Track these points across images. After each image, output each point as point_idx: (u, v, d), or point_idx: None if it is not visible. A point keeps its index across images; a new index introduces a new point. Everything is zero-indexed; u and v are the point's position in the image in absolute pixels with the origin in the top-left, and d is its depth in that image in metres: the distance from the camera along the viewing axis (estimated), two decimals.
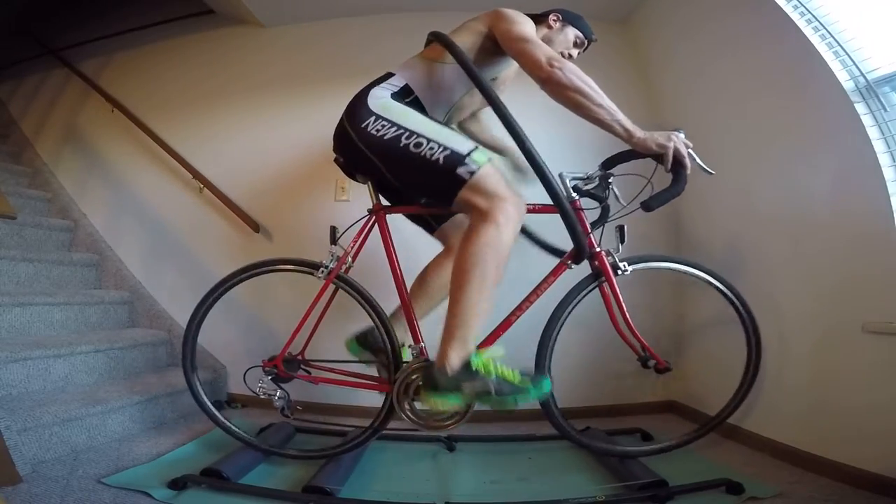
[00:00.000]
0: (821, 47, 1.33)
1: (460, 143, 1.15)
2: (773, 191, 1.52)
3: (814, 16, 1.35)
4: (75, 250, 2.38)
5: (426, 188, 1.23)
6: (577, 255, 1.26)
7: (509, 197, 1.11)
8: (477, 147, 1.16)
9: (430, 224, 1.47)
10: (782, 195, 1.48)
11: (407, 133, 1.16)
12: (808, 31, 1.36)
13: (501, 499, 1.20)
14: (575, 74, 1.13)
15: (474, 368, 1.10)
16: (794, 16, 1.38)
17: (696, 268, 1.36)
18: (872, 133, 1.23)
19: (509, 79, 1.45)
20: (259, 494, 1.19)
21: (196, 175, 2.22)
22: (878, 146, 1.22)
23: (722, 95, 1.73)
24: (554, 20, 1.40)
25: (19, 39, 3.07)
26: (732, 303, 1.37)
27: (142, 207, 2.36)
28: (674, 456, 1.42)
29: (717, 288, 1.37)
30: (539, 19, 1.40)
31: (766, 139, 1.55)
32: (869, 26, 1.25)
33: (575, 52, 1.42)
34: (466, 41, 1.26)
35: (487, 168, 1.13)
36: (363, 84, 1.30)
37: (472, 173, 1.11)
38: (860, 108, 1.25)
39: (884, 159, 1.20)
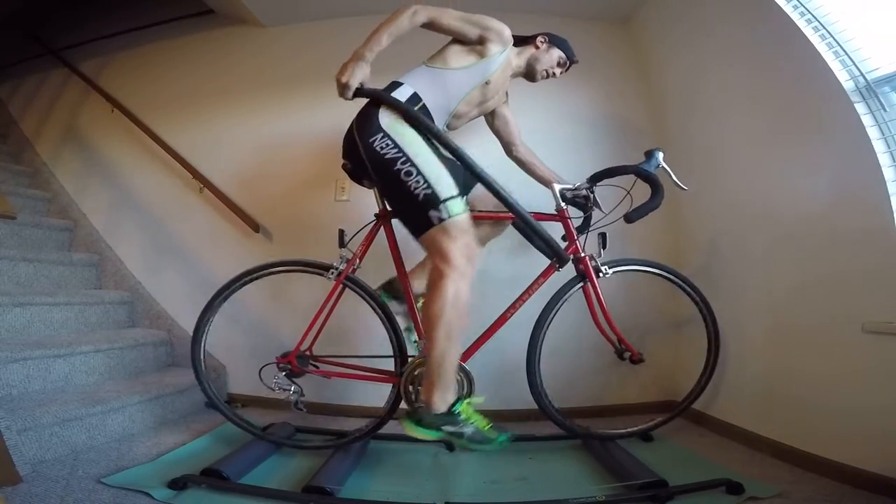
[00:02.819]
0: (821, 47, 1.33)
1: (445, 186, 1.21)
2: (773, 191, 1.52)
3: (814, 16, 1.35)
4: (75, 250, 2.38)
5: (403, 215, 1.32)
6: (558, 260, 1.40)
7: (466, 252, 1.19)
8: (457, 196, 1.21)
9: None
10: (783, 195, 1.48)
11: (404, 158, 1.22)
12: (808, 31, 1.35)
13: (501, 499, 1.21)
14: (408, 19, 1.29)
15: (457, 412, 1.23)
16: (795, 16, 1.38)
17: (663, 270, 1.53)
18: (872, 133, 1.23)
19: (500, 93, 1.52)
20: (259, 494, 1.19)
21: (196, 175, 2.22)
22: (878, 146, 1.21)
23: (722, 95, 1.73)
24: (541, 41, 1.51)
25: (19, 39, 3.07)
26: (694, 299, 1.55)
27: (142, 207, 2.36)
28: (674, 456, 1.43)
29: (681, 287, 1.55)
30: (528, 40, 1.51)
31: (766, 139, 1.54)
32: (869, 26, 1.25)
33: (558, 72, 1.54)
34: (452, 48, 1.38)
35: (459, 219, 1.19)
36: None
37: (441, 220, 1.18)
38: (860, 108, 1.25)
39: (884, 159, 1.20)
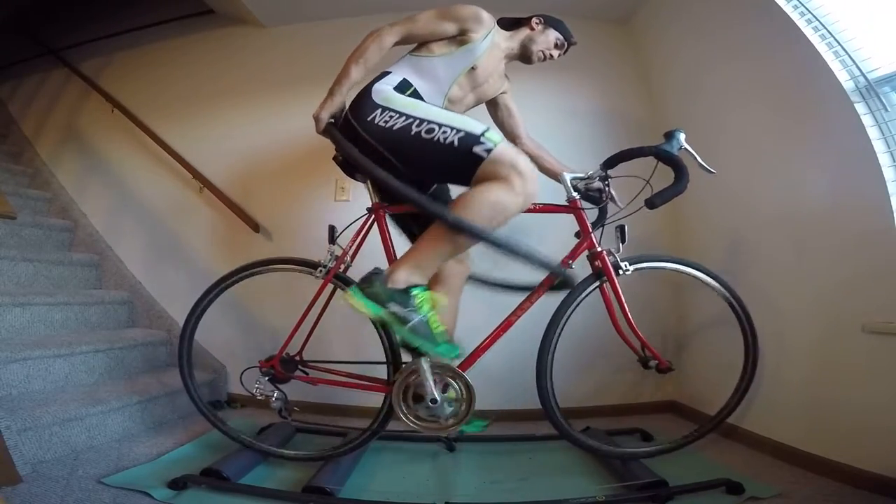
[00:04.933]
0: (821, 47, 1.33)
1: (472, 125, 1.16)
2: (773, 191, 1.52)
3: (814, 16, 1.35)
4: (75, 250, 2.38)
5: (443, 172, 1.25)
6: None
7: (526, 171, 1.12)
8: (489, 127, 1.17)
9: (414, 232, 1.46)
10: (783, 195, 1.48)
11: (417, 121, 1.17)
12: (808, 31, 1.36)
13: (501, 499, 1.21)
14: (375, 44, 1.27)
15: (412, 296, 1.12)
16: (795, 16, 1.38)
17: (694, 268, 1.36)
18: (872, 133, 1.23)
19: (494, 78, 1.46)
20: (259, 494, 1.19)
21: (196, 175, 2.22)
22: (878, 146, 1.22)
23: (723, 95, 1.73)
24: (536, 23, 1.46)
25: (19, 39, 3.07)
26: (730, 302, 1.36)
27: (142, 207, 2.36)
28: (674, 456, 1.43)
29: (714, 288, 1.36)
30: (523, 22, 1.47)
31: (767, 139, 1.55)
32: (869, 26, 1.25)
33: (556, 53, 1.48)
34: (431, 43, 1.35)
35: (503, 145, 1.14)
36: (363, 84, 1.30)
37: (488, 151, 1.12)
38: (860, 108, 1.25)
39: (884, 159, 1.20)
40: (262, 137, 2.24)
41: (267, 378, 1.33)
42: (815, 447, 1.30)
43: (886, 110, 1.22)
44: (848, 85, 1.27)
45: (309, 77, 2.19)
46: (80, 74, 2.70)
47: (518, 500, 1.17)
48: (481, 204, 1.11)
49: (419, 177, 1.32)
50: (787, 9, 1.40)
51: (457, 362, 1.26)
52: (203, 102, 2.38)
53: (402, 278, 1.13)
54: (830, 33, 1.32)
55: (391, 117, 1.19)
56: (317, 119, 1.25)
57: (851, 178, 1.27)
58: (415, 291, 1.13)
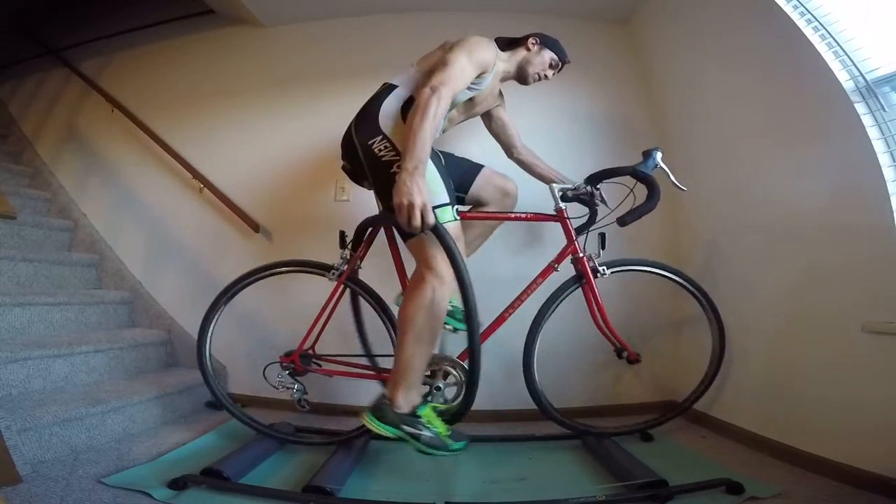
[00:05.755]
0: (821, 47, 1.33)
1: (437, 194, 1.21)
2: (773, 190, 1.52)
3: (814, 16, 1.35)
4: (75, 250, 2.38)
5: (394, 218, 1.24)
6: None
7: (444, 273, 1.18)
8: (447, 204, 1.22)
9: None
10: (783, 195, 1.48)
11: (400, 162, 1.16)
12: (808, 31, 1.35)
13: (501, 499, 1.21)
14: (443, 104, 1.18)
15: (419, 415, 1.23)
16: (795, 16, 1.38)
17: (665, 269, 1.51)
18: (872, 133, 1.23)
19: (489, 99, 1.53)
20: (259, 494, 1.19)
21: (196, 175, 2.22)
22: (878, 146, 1.21)
23: (723, 95, 1.73)
24: (532, 43, 1.48)
25: (19, 39, 3.07)
26: (699, 300, 1.55)
27: (142, 207, 2.36)
28: (674, 456, 1.43)
29: (684, 286, 1.54)
30: (518, 42, 1.49)
31: (766, 139, 1.54)
32: (869, 26, 1.25)
33: (550, 73, 1.51)
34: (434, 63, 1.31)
35: (447, 227, 1.18)
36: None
37: (430, 226, 1.15)
38: (860, 108, 1.25)
39: (884, 159, 1.20)
40: (262, 137, 2.23)
41: (287, 372, 1.45)
42: (815, 447, 1.30)
43: (886, 110, 1.21)
44: (848, 85, 1.27)
45: (309, 76, 2.20)
46: (80, 74, 2.70)
47: (518, 500, 1.18)
48: (416, 315, 1.18)
49: (385, 205, 1.31)
50: (787, 9, 1.39)
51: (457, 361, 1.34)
52: (203, 102, 2.38)
53: (402, 403, 1.22)
54: (830, 34, 1.31)
55: (385, 147, 1.24)
56: (423, 207, 1.07)
57: (851, 177, 1.27)
58: (420, 412, 1.23)
